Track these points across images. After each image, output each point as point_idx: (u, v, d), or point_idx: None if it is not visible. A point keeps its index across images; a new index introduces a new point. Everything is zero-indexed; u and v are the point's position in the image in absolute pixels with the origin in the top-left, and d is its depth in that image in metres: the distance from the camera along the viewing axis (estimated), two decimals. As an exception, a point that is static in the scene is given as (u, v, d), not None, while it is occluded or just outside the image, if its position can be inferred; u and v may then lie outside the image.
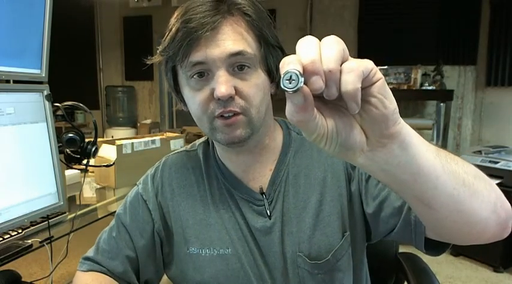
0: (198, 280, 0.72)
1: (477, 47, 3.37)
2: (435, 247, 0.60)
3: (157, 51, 0.68)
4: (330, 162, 0.72)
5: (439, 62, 3.24)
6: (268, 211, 0.70)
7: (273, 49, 0.66)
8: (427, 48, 3.48)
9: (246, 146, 0.69)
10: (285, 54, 0.67)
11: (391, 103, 0.37)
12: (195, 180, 0.76)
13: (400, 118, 0.39)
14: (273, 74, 0.67)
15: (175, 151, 0.83)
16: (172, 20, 0.64)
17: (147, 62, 0.76)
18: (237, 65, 0.62)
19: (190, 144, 0.83)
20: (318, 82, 0.34)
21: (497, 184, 2.39)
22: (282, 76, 0.34)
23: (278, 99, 0.69)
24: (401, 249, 1.15)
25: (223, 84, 0.60)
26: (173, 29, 0.63)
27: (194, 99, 0.64)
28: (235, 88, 0.62)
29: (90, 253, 0.80)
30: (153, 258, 0.76)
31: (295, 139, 0.75)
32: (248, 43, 0.63)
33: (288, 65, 0.34)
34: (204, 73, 0.63)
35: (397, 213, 0.63)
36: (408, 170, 0.42)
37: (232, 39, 0.61)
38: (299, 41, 0.36)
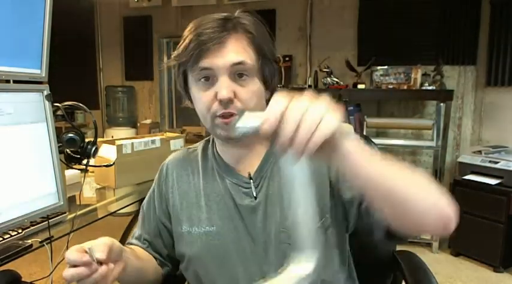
0: (189, 254, 0.85)
1: (477, 47, 3.36)
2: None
3: (172, 56, 0.81)
4: None
5: (439, 62, 3.24)
6: (254, 193, 0.82)
7: (269, 62, 0.80)
8: (427, 48, 3.47)
9: (241, 141, 0.80)
10: (278, 66, 0.85)
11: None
12: (190, 171, 0.90)
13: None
14: (267, 83, 0.80)
15: (180, 150, 1.00)
16: (186, 32, 0.78)
17: (163, 65, 0.91)
18: (238, 72, 0.75)
19: (193, 145, 0.97)
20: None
21: (497, 184, 2.39)
22: None
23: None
24: (399, 247, 1.16)
25: (224, 88, 0.73)
26: (187, 40, 0.76)
27: (200, 99, 0.78)
28: (235, 93, 0.74)
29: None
30: (161, 234, 0.92)
31: None
32: (248, 55, 0.76)
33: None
34: (209, 78, 0.76)
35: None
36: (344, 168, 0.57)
37: (235, 51, 0.75)
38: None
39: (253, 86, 0.77)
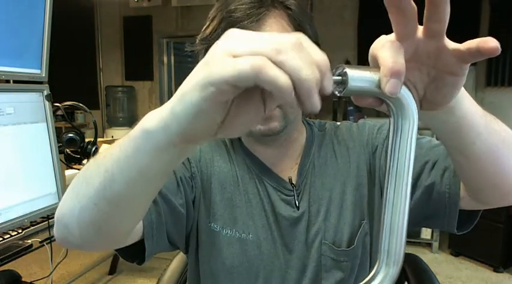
0: (215, 255, 0.71)
1: (477, 47, 3.37)
2: (462, 224, 0.63)
3: (197, 40, 0.67)
4: (351, 152, 0.75)
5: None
6: (297, 202, 0.72)
7: None
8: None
9: (278, 139, 0.71)
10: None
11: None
12: (228, 159, 0.75)
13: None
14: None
15: None
16: (214, 11, 0.65)
17: (187, 49, 0.71)
18: None
19: None
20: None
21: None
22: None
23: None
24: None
25: None
26: (216, 19, 0.64)
27: None
28: None
29: None
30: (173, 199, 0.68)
31: (317, 134, 0.78)
32: None
33: None
34: None
35: (430, 190, 0.63)
36: (450, 127, 0.45)
37: (275, 31, 0.61)
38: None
39: None
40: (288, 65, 0.28)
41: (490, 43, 0.34)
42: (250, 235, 0.71)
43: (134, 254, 0.62)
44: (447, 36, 0.39)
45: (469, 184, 0.57)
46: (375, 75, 0.33)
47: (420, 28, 0.36)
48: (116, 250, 0.62)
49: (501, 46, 0.36)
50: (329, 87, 0.30)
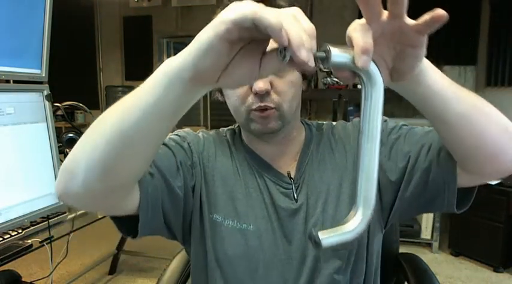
0: (217, 245, 0.74)
1: (477, 47, 3.36)
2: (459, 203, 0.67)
3: None
4: (347, 148, 0.79)
5: (439, 61, 3.24)
6: (295, 195, 0.76)
7: None
8: (427, 48, 3.47)
9: (276, 137, 0.76)
10: None
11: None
12: (229, 154, 0.80)
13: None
14: (305, 72, 0.73)
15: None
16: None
17: None
18: None
19: (215, 130, 0.86)
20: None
21: (497, 184, 2.37)
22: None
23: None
24: (402, 250, 1.15)
25: (261, 79, 0.66)
26: None
27: (234, 91, 0.71)
28: (271, 84, 0.69)
29: None
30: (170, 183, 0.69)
31: (315, 134, 0.82)
32: None
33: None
34: None
35: (428, 171, 0.67)
36: (421, 95, 0.52)
37: None
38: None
39: (292, 76, 0.71)
40: (284, 21, 0.37)
41: (439, 11, 0.41)
42: (251, 226, 0.74)
43: (129, 230, 0.65)
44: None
45: (455, 152, 0.61)
46: (350, 53, 0.41)
47: (385, 12, 0.43)
48: (113, 220, 0.64)
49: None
50: (314, 48, 0.39)
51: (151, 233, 0.68)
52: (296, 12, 0.40)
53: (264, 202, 0.75)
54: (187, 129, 0.82)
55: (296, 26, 0.38)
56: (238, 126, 0.83)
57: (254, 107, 0.70)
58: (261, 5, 0.38)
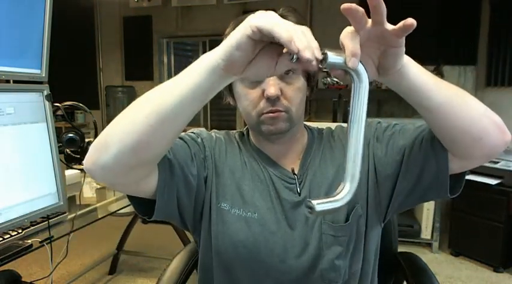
0: (223, 231, 0.81)
1: (477, 47, 3.37)
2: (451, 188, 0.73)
3: None
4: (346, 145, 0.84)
5: (439, 61, 3.24)
6: (298, 189, 0.83)
7: None
8: (427, 48, 3.47)
9: (283, 137, 0.83)
10: None
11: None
12: (238, 152, 0.88)
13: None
14: (310, 79, 0.83)
15: None
16: (230, 30, 0.76)
17: None
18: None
19: (225, 130, 0.94)
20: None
21: (497, 184, 2.38)
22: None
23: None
24: (402, 250, 1.16)
25: (273, 86, 0.76)
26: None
27: (246, 96, 0.80)
28: (281, 90, 0.77)
29: None
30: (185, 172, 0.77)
31: (316, 137, 0.90)
32: None
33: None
34: None
35: (424, 161, 0.73)
36: (405, 87, 0.61)
37: None
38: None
39: (298, 83, 0.79)
40: (294, 35, 0.49)
41: (409, 20, 0.50)
42: (256, 214, 0.81)
43: (145, 211, 0.73)
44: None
45: (444, 139, 0.68)
46: (343, 55, 0.52)
47: (370, 21, 0.52)
48: (130, 200, 0.74)
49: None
50: (318, 55, 0.50)
51: (165, 218, 0.77)
52: (305, 29, 0.51)
53: (269, 194, 0.83)
54: (201, 128, 0.91)
55: (303, 38, 0.49)
56: (247, 129, 0.91)
57: (265, 111, 0.78)
58: (279, 18, 0.51)
